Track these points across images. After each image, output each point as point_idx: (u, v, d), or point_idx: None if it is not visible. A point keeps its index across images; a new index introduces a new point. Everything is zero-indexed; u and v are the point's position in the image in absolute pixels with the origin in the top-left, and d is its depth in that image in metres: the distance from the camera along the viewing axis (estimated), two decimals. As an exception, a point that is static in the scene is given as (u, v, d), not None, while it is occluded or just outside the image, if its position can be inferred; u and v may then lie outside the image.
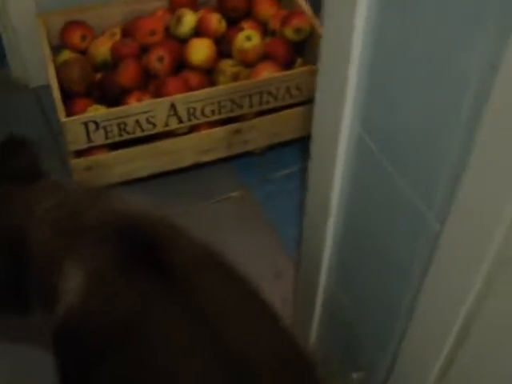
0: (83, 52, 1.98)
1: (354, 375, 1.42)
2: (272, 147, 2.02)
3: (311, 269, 1.42)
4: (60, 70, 1.85)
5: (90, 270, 1.14)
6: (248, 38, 1.90)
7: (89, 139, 1.74)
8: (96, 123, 1.71)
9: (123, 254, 1.13)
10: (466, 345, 0.94)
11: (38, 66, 2.14)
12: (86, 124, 1.70)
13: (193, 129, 1.87)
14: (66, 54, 1.95)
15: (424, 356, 1.06)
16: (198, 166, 1.96)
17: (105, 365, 1.11)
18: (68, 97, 1.85)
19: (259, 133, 1.92)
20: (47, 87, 2.09)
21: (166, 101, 1.75)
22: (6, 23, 2.11)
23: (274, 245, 1.86)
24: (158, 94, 1.81)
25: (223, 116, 1.84)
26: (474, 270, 0.84)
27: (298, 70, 1.88)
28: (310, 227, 1.36)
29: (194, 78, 1.86)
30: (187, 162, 1.90)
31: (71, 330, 1.17)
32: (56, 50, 1.99)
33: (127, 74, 1.84)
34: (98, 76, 1.93)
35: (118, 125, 1.74)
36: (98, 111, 1.77)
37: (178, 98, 1.75)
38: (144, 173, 1.87)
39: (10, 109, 2.21)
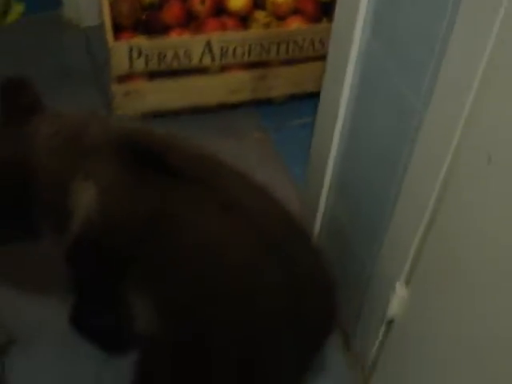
0: (133, -6, 2.19)
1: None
2: (292, 98, 2.22)
3: (314, 188, 1.61)
4: (112, 5, 2.06)
5: (101, 182, 1.24)
6: (281, -7, 2.11)
7: (131, 65, 1.95)
8: (139, 50, 1.92)
9: (131, 163, 1.24)
10: (438, 220, 1.13)
11: (89, 7, 2.37)
12: (130, 50, 1.91)
13: (223, 70, 2.07)
14: (117, -7, 2.16)
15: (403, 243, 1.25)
16: (224, 107, 2.16)
17: (137, 262, 1.24)
18: (117, 31, 2.05)
19: (282, 81, 2.12)
20: (96, 28, 2.32)
21: (203, 37, 1.96)
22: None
23: (284, 182, 2.05)
24: (197, 33, 2.02)
25: (252, 59, 2.04)
26: (447, 140, 1.04)
27: (323, 25, 2.08)
28: (317, 143, 1.56)
29: (230, 22, 2.07)
30: (215, 100, 2.10)
31: (91, 240, 1.27)
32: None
33: (171, 12, 2.06)
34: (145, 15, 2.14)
35: (159, 55, 1.94)
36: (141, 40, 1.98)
37: (214, 36, 1.96)
38: (175, 105, 2.08)
39: (61, 46, 2.43)
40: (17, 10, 2.52)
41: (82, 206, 1.25)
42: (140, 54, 1.93)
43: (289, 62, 2.11)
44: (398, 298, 1.29)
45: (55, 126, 1.31)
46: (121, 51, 1.91)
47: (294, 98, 2.23)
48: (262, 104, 2.21)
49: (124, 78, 1.99)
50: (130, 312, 1.28)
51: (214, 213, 1.22)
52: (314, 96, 2.15)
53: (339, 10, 1.31)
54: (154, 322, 1.23)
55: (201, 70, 2.05)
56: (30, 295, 1.68)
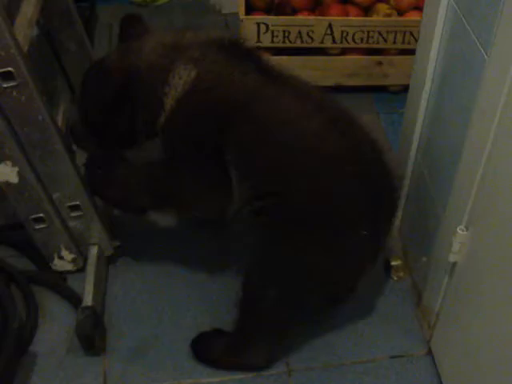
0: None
1: (424, 259, 1.74)
2: (406, 89, 2.36)
3: (405, 151, 1.75)
4: (248, -12, 2.31)
5: (201, 64, 1.41)
6: (405, -11, 2.28)
7: (258, 39, 2.17)
8: (266, 25, 2.14)
9: (230, 56, 1.42)
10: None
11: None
12: (258, 25, 2.14)
13: (343, 53, 2.26)
14: (256, -20, 2.40)
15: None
16: (340, 89, 2.33)
17: (230, 133, 1.39)
18: (250, 12, 2.29)
19: (397, 70, 2.28)
20: (234, 14, 2.57)
21: (325, 20, 2.16)
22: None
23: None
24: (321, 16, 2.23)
25: (370, 45, 2.22)
26: (503, 82, 1.18)
27: (440, 19, 2.23)
28: (409, 109, 1.71)
29: (353, 10, 2.26)
30: (332, 81, 2.29)
31: (191, 104, 1.42)
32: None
33: (300, -4, 2.28)
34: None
35: (284, 32, 2.16)
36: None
37: (336, 19, 2.16)
38: (295, 82, 2.27)
39: (202, 26, 2.71)
40: (169, -8, 2.84)
41: (181, 84, 1.42)
42: (267, 29, 2.15)
43: (405, 53, 2.25)
44: (459, 242, 1.42)
45: (158, 35, 1.51)
46: (250, 25, 2.14)
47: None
48: (376, 90, 2.37)
49: (251, 51, 2.21)
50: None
51: (299, 105, 1.41)
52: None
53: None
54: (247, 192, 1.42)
55: (321, 51, 2.24)
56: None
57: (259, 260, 1.47)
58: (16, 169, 1.55)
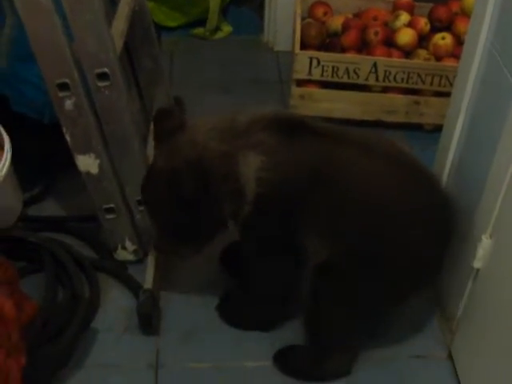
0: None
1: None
2: (441, 128, 2.57)
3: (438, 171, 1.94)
4: (303, 27, 2.55)
5: (262, 151, 1.46)
6: (443, 38, 2.52)
7: (310, 72, 2.41)
8: (318, 60, 2.38)
9: (281, 131, 1.50)
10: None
11: (284, 34, 2.90)
12: (311, 59, 2.38)
13: (384, 91, 2.49)
14: (309, 20, 2.66)
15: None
16: (379, 125, 2.55)
17: (307, 210, 1.48)
18: (303, 48, 2.54)
19: (433, 110, 2.50)
20: (286, 52, 2.83)
21: (371, 59, 2.40)
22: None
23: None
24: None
25: (409, 86, 2.44)
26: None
27: (474, 66, 2.46)
28: (443, 138, 1.91)
29: (396, 53, 2.49)
30: (373, 116, 2.51)
31: (266, 198, 1.49)
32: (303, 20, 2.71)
33: (349, 37, 2.53)
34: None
35: (333, 67, 2.40)
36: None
37: (381, 59, 2.40)
38: (339, 114, 2.47)
39: (256, 62, 2.98)
40: (226, 30, 3.13)
41: (252, 178, 1.48)
42: (318, 63, 2.39)
43: (441, 94, 2.47)
44: (483, 249, 1.60)
45: (209, 124, 1.55)
46: (303, 59, 2.38)
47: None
48: (413, 128, 2.58)
49: (302, 83, 2.46)
50: (306, 256, 1.57)
51: (360, 161, 1.54)
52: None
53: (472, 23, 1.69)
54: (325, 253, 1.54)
55: (365, 88, 2.47)
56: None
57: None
58: (98, 161, 1.75)
